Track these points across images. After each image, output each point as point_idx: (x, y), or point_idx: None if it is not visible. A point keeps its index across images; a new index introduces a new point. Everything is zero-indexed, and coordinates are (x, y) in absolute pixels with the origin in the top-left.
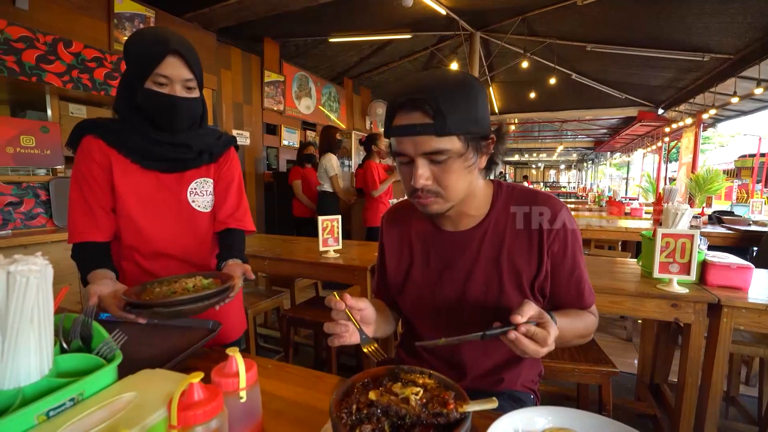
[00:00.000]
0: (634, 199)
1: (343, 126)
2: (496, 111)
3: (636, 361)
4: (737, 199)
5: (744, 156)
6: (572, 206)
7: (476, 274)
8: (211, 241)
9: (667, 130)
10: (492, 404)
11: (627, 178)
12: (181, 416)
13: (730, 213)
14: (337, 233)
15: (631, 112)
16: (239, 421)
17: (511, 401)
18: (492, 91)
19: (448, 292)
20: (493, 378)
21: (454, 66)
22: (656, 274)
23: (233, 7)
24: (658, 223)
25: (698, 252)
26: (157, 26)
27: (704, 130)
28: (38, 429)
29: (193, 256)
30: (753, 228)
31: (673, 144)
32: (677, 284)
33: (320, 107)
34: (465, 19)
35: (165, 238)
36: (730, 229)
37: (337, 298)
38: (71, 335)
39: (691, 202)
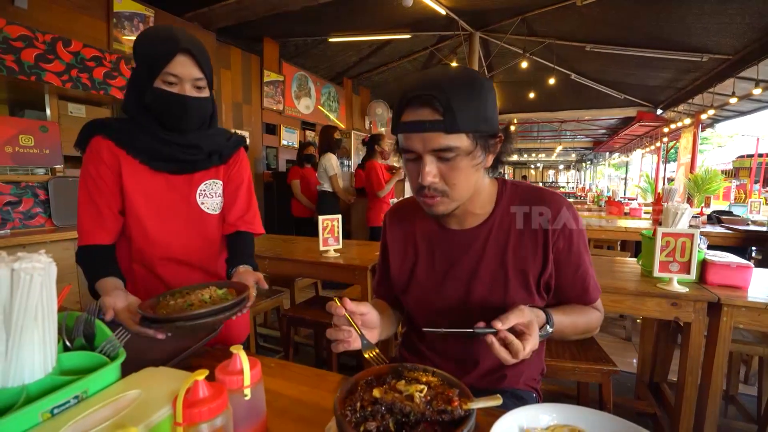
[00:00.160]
0: (632, 199)
1: (342, 126)
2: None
3: (635, 361)
4: (735, 199)
5: (742, 156)
6: None
7: (481, 272)
8: (219, 243)
9: (665, 130)
10: (496, 401)
11: (626, 179)
12: (186, 413)
13: (729, 213)
14: (338, 233)
15: (630, 112)
16: (244, 419)
17: (514, 399)
18: None
19: (452, 290)
20: (496, 375)
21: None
22: (656, 273)
23: (233, 6)
24: (657, 222)
25: (698, 251)
26: (167, 25)
27: (703, 130)
28: (43, 426)
29: (202, 259)
30: (752, 228)
31: (671, 144)
32: (677, 283)
33: (320, 107)
34: (464, 19)
35: (173, 240)
36: (729, 228)
37: (338, 303)
38: (74, 333)
39: (689, 202)
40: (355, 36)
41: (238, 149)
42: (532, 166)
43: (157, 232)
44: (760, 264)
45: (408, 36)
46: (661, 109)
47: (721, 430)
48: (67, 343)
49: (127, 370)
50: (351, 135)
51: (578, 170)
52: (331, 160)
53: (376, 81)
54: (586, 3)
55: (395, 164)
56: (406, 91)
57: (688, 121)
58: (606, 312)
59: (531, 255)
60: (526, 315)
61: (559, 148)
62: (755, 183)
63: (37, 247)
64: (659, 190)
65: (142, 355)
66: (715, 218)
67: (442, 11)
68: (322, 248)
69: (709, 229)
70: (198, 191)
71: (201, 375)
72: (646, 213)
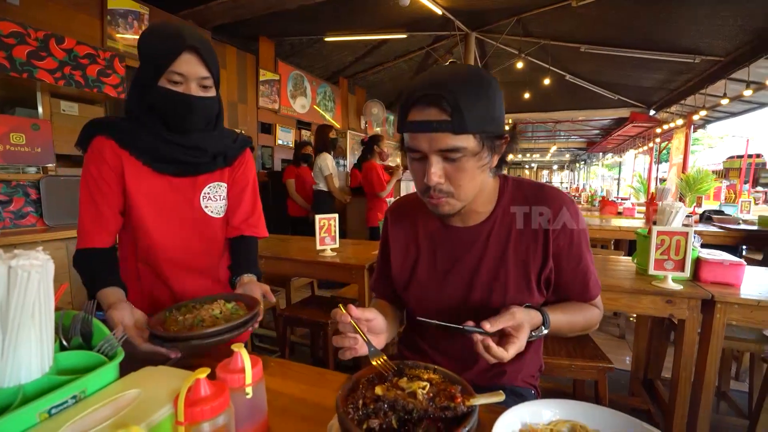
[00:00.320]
0: (626, 199)
1: (338, 126)
2: None
3: (628, 359)
4: (726, 199)
5: (732, 157)
6: None
7: (483, 269)
8: (222, 246)
9: (658, 131)
10: (499, 397)
11: (619, 179)
12: (188, 412)
13: (721, 212)
14: (334, 232)
15: (623, 113)
16: (245, 418)
17: (513, 396)
18: None
19: (454, 288)
20: (494, 372)
21: None
22: (651, 271)
23: (229, 4)
24: (650, 221)
25: (692, 249)
26: (172, 21)
27: (694, 131)
28: (41, 427)
29: (204, 262)
30: (743, 227)
31: (663, 145)
32: (672, 281)
33: (315, 107)
34: (461, 20)
35: (175, 243)
36: (721, 227)
37: (343, 311)
38: (71, 332)
39: (681, 201)
40: (351, 35)
41: (243, 151)
42: (527, 166)
43: (159, 234)
44: (761, 263)
45: (404, 36)
46: (653, 109)
47: (713, 425)
48: (64, 343)
49: (125, 369)
50: (347, 135)
51: (572, 170)
52: (326, 160)
53: (372, 81)
54: (582, 4)
55: (391, 164)
56: (414, 89)
57: (680, 121)
58: None
59: (532, 251)
60: (516, 318)
61: (553, 149)
62: (745, 183)
63: (28, 247)
64: (652, 190)
65: (140, 353)
66: (707, 217)
67: (439, 11)
68: (318, 247)
69: (701, 227)
70: (202, 194)
71: (203, 373)
72: (639, 212)
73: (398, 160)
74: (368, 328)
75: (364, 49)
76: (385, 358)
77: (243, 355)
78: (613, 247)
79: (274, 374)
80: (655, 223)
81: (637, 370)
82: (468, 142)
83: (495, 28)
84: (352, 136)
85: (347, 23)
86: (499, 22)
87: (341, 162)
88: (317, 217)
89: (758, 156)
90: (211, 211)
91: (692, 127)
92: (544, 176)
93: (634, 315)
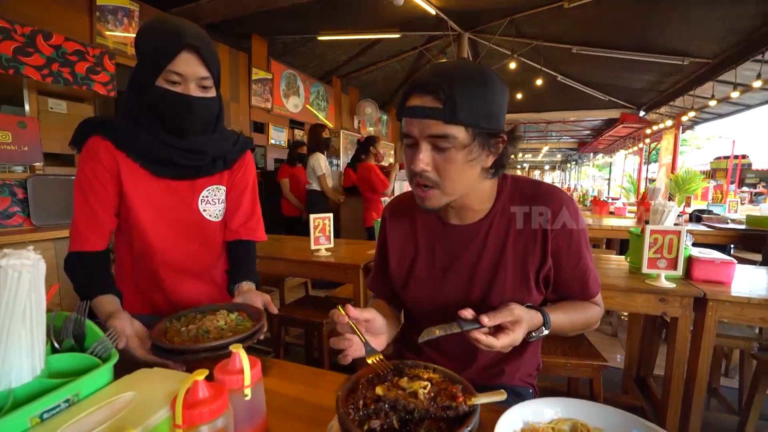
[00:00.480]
0: (616, 199)
1: (331, 125)
2: None
3: (620, 357)
4: (713, 199)
5: (719, 158)
6: None
7: (481, 267)
8: (219, 250)
9: (648, 131)
10: (500, 396)
11: (609, 179)
12: (186, 415)
13: (709, 212)
14: (329, 231)
15: (614, 113)
16: (244, 419)
17: (513, 395)
18: None
19: (452, 286)
20: (493, 371)
21: None
22: (645, 270)
23: (220, 2)
24: (642, 221)
25: (684, 248)
26: (172, 17)
27: (683, 132)
28: None
29: (201, 266)
30: (732, 226)
31: (653, 146)
32: (665, 279)
33: (308, 106)
34: (454, 20)
35: (172, 246)
36: (710, 227)
37: (341, 311)
38: (63, 334)
39: (671, 201)
40: (345, 35)
41: (244, 153)
42: (519, 166)
43: (156, 237)
44: (762, 264)
45: (397, 35)
46: (643, 110)
47: (704, 421)
48: (56, 345)
49: (120, 371)
50: (340, 134)
51: (563, 171)
52: (319, 160)
53: (365, 80)
54: (574, 6)
55: (385, 165)
56: (417, 78)
57: (669, 122)
58: None
59: (530, 250)
60: (515, 314)
61: (545, 149)
62: (731, 183)
63: (15, 247)
64: (643, 189)
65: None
66: (697, 217)
67: (432, 11)
68: (313, 247)
69: (691, 227)
70: (200, 197)
71: (201, 375)
72: (630, 212)
73: (391, 160)
74: (366, 328)
75: (358, 48)
76: (381, 357)
77: (241, 356)
78: (604, 246)
79: (271, 375)
80: (647, 223)
81: (629, 367)
82: (458, 132)
83: (488, 29)
84: (345, 136)
85: (341, 22)
86: (492, 23)
87: (334, 162)
88: (312, 216)
89: (744, 157)
90: (209, 215)
91: (681, 128)
92: (536, 176)
93: (626, 313)
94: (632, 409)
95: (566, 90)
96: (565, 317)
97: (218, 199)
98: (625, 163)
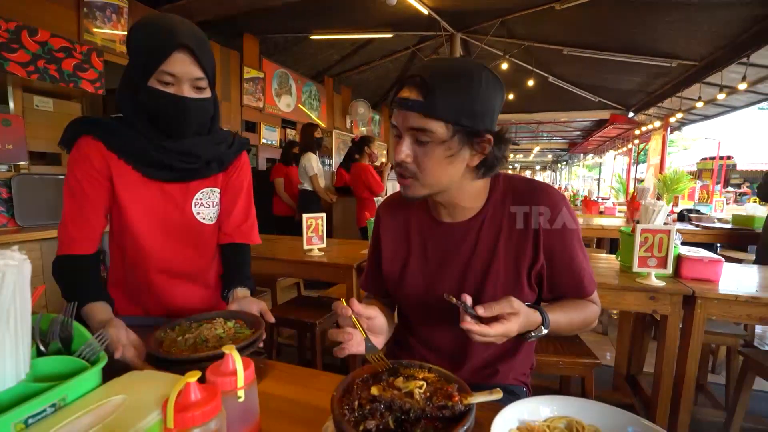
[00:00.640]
0: (606, 199)
1: (323, 125)
2: None
3: (609, 355)
4: (699, 199)
5: (705, 159)
6: None
7: (474, 265)
8: (213, 252)
9: (636, 132)
10: (497, 395)
11: (599, 179)
12: (178, 418)
13: (697, 211)
14: (322, 231)
15: (604, 114)
16: (237, 422)
17: (506, 394)
18: None
19: (446, 282)
20: (487, 371)
21: None
22: (635, 268)
23: (211, 0)
24: (632, 220)
25: (674, 246)
26: (165, 14)
27: (671, 133)
28: None
29: (194, 269)
30: (719, 225)
31: (642, 146)
32: (655, 278)
33: (300, 105)
34: (446, 20)
35: (165, 249)
36: (698, 226)
37: (344, 303)
38: (49, 337)
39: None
40: (337, 34)
41: (239, 154)
42: (510, 166)
43: (148, 240)
44: (755, 263)
45: (390, 35)
46: (632, 112)
47: (692, 417)
48: (42, 348)
49: (108, 374)
50: (332, 134)
51: (554, 171)
52: (311, 160)
53: (358, 80)
54: (565, 7)
55: (377, 165)
56: (410, 70)
57: (657, 123)
58: None
59: (522, 248)
60: (514, 306)
61: (536, 149)
62: (716, 184)
63: None
64: (632, 189)
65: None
66: (685, 216)
67: (425, 11)
68: (306, 247)
69: (680, 226)
70: (194, 200)
71: (193, 377)
72: (620, 212)
73: (383, 160)
74: (368, 326)
75: (350, 48)
76: (381, 355)
77: (234, 358)
78: (595, 246)
79: (264, 376)
80: (637, 222)
81: (620, 365)
82: (437, 127)
83: (480, 30)
84: (337, 135)
85: (333, 21)
86: (484, 24)
87: (326, 161)
88: (304, 216)
89: (729, 158)
90: (203, 218)
91: (669, 129)
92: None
93: (616, 312)
94: (622, 406)
95: (557, 91)
96: (563, 317)
97: (212, 202)
98: (614, 163)
